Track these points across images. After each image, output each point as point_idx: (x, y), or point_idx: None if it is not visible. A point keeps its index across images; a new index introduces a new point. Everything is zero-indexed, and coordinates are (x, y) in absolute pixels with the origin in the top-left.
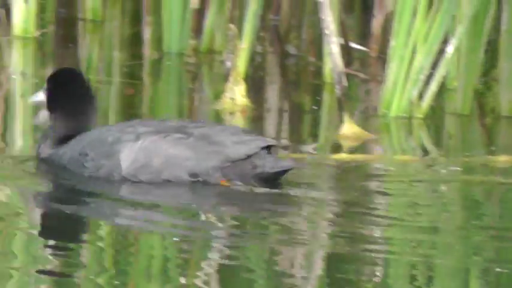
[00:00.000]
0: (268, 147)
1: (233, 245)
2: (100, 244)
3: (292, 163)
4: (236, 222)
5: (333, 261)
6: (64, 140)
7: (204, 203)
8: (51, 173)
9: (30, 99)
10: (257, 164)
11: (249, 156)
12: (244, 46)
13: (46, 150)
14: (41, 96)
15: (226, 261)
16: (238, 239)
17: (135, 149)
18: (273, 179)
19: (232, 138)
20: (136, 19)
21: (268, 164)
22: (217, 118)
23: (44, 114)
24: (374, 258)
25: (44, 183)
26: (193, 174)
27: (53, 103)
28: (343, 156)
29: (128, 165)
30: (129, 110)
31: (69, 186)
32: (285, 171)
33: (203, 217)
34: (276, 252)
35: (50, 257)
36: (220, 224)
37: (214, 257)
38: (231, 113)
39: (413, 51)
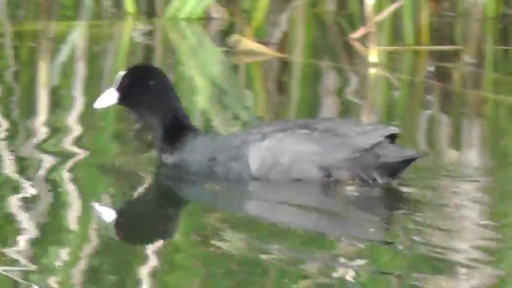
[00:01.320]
0: (392, 137)
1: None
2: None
3: (416, 152)
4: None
5: None
6: (171, 141)
7: (333, 204)
8: (183, 178)
9: (98, 104)
10: (380, 154)
11: (373, 146)
12: None
13: (168, 157)
14: (111, 98)
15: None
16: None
17: (262, 149)
18: (396, 170)
19: (355, 129)
20: None
21: (392, 154)
22: None
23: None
24: None
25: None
26: (322, 168)
27: (133, 100)
28: None
29: (257, 166)
30: None
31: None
32: (409, 161)
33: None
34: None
35: None
36: (359, 228)
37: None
38: None
39: None
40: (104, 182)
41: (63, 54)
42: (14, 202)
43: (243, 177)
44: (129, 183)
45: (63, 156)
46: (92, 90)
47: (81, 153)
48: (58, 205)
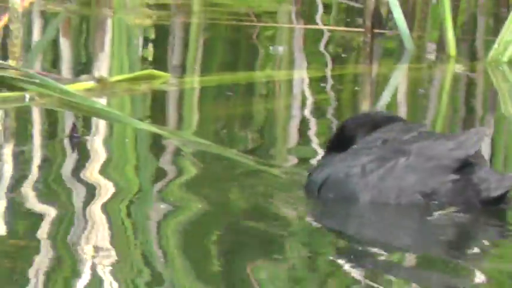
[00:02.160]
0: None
1: None
2: None
3: None
4: None
5: None
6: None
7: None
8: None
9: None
10: (481, 188)
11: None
12: None
13: None
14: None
15: None
16: None
17: (364, 187)
18: (500, 200)
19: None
20: None
21: (493, 186)
22: None
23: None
24: None
25: None
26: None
27: None
28: None
29: (365, 202)
30: None
31: None
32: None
33: None
34: None
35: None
36: None
37: None
38: None
39: None
40: None
41: (385, 96)
42: None
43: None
44: None
45: None
46: None
47: None
48: None
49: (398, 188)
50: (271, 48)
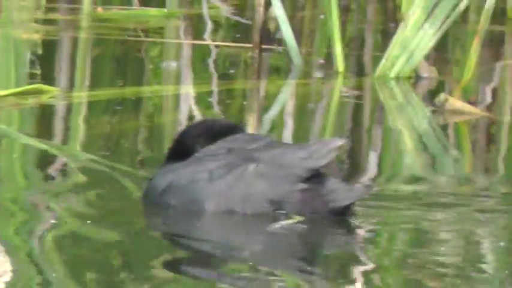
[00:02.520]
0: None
1: None
2: None
3: (364, 188)
4: None
5: None
6: None
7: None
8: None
9: None
10: (328, 199)
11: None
12: None
13: None
14: None
15: None
16: None
17: (210, 193)
18: (347, 210)
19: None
20: None
21: (340, 197)
22: None
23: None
24: None
25: None
26: (272, 202)
27: None
28: None
29: (211, 209)
30: None
31: None
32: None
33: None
34: None
35: None
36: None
37: None
38: None
39: None
40: None
41: (272, 111)
42: None
43: (199, 211)
44: None
45: None
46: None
47: None
48: None
49: (245, 196)
50: (163, 64)
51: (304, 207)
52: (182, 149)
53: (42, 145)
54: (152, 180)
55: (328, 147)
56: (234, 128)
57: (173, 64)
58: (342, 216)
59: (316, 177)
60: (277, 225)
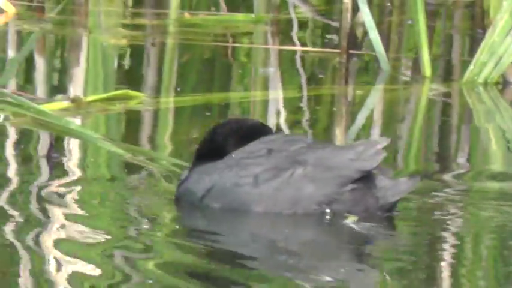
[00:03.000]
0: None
1: None
2: None
3: (412, 182)
4: None
5: None
6: None
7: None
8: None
9: None
10: (378, 195)
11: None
12: None
13: None
14: None
15: None
16: None
17: (258, 197)
18: (395, 206)
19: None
20: None
21: (389, 192)
22: None
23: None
24: None
25: None
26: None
27: None
28: None
29: (256, 211)
30: None
31: None
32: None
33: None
34: None
35: None
36: None
37: None
38: None
39: None
40: None
41: (361, 117)
42: None
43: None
44: None
45: None
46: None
47: None
48: None
49: (295, 199)
50: (261, 70)
51: (356, 206)
52: (212, 149)
53: (129, 151)
54: (187, 182)
55: (375, 148)
56: (262, 128)
57: (271, 70)
58: (390, 212)
59: (363, 176)
60: (335, 225)
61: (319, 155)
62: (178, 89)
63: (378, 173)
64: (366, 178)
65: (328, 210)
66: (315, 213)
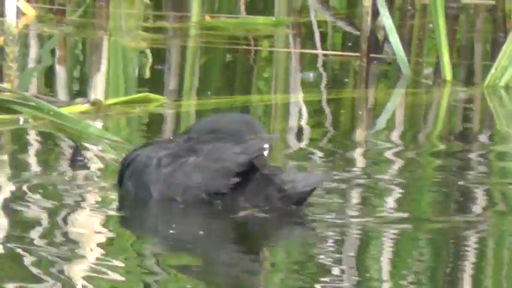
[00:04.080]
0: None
1: None
2: None
3: (323, 174)
4: None
5: None
6: None
7: None
8: None
9: None
10: (283, 186)
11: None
12: None
13: None
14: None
15: None
16: None
17: (155, 181)
18: (304, 199)
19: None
20: None
21: (298, 184)
22: None
23: None
24: None
25: None
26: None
27: None
28: None
29: (155, 196)
30: None
31: None
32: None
33: None
34: None
35: None
36: None
37: None
38: None
39: None
40: None
41: (382, 121)
42: None
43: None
44: None
45: None
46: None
47: None
48: None
49: (185, 185)
50: (301, 74)
51: (254, 197)
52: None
53: None
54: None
55: (262, 143)
56: (240, 123)
57: (311, 75)
58: (299, 205)
59: (270, 169)
60: (236, 216)
61: (214, 146)
62: (209, 93)
63: (285, 170)
64: (271, 171)
65: (218, 201)
66: (205, 202)
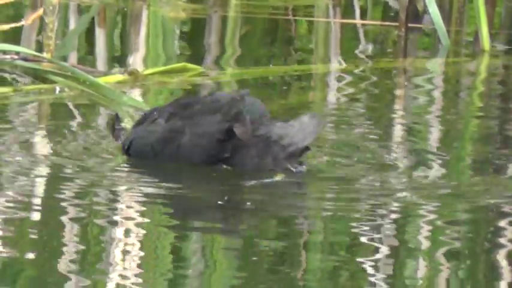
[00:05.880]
0: None
1: None
2: None
3: (317, 124)
4: None
5: None
6: None
7: None
8: None
9: None
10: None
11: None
12: None
13: None
14: None
15: None
16: None
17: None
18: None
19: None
20: None
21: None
22: None
23: None
24: None
25: None
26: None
27: None
28: None
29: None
30: None
31: None
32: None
33: None
34: None
35: None
36: None
37: None
38: None
39: None
40: None
41: (419, 90)
42: None
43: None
44: None
45: None
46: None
47: None
48: None
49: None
50: (360, 46)
51: (263, 159)
52: None
53: None
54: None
55: (235, 109)
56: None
57: (370, 46)
58: (299, 157)
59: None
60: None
61: (196, 121)
62: (235, 62)
63: (275, 122)
64: (267, 130)
65: (225, 166)
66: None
